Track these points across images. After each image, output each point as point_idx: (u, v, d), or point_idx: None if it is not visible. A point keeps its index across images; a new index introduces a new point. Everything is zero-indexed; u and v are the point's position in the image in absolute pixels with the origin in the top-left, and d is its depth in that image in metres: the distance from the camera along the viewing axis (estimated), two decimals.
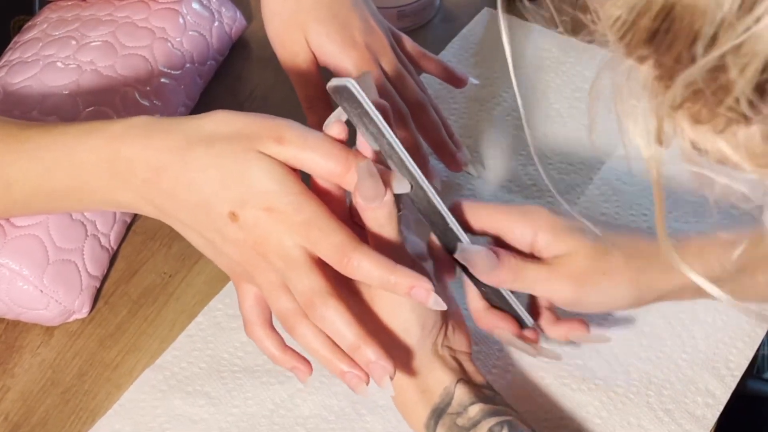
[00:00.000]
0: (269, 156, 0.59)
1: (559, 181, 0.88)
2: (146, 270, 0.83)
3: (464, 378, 0.67)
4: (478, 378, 0.68)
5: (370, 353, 0.59)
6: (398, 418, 0.71)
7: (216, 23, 0.94)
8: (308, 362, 0.65)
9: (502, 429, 0.65)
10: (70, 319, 0.79)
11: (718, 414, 0.73)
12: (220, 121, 0.61)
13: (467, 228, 0.67)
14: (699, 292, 0.69)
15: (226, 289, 0.81)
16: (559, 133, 0.92)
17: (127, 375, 0.77)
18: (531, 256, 0.68)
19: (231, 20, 0.96)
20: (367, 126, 0.60)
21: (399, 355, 0.65)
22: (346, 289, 0.63)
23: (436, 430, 0.66)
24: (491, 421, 0.65)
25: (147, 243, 0.84)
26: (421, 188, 0.63)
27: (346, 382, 0.61)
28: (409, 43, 0.86)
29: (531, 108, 0.94)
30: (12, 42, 0.90)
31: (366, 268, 0.59)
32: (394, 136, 0.61)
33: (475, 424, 0.65)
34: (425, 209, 0.64)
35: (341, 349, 0.60)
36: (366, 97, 0.59)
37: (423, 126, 0.83)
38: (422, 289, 0.59)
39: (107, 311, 0.80)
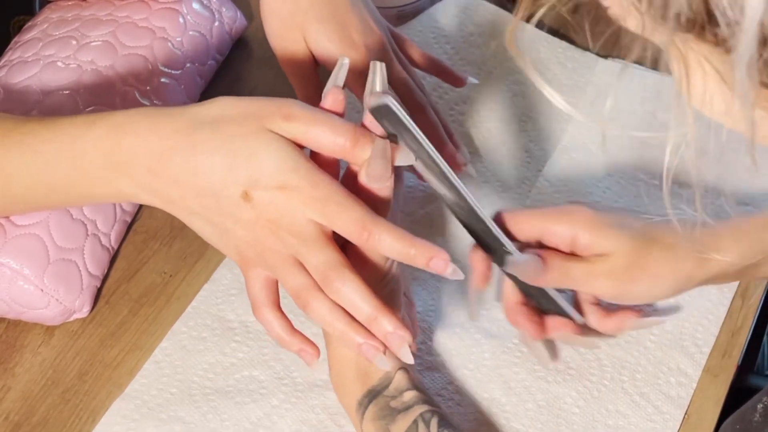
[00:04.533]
0: (278, 134, 0.60)
1: (508, 177, 0.89)
2: (147, 269, 0.83)
3: (404, 367, 0.69)
4: (416, 374, 0.71)
5: (387, 324, 0.61)
6: None
7: (216, 23, 0.94)
8: (315, 345, 0.65)
9: (432, 417, 0.67)
10: (71, 319, 0.79)
11: (692, 392, 0.75)
12: (224, 105, 0.62)
13: (509, 237, 0.68)
14: (739, 276, 0.72)
15: (188, 312, 0.80)
16: (502, 128, 0.92)
17: (128, 374, 0.77)
18: (572, 254, 0.69)
19: (231, 20, 0.96)
20: (406, 140, 0.62)
21: None
22: None
23: (368, 407, 0.67)
24: (423, 407, 0.67)
25: (148, 242, 0.84)
26: (464, 198, 0.64)
27: (362, 353, 0.62)
28: (407, 43, 0.86)
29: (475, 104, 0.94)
30: (12, 42, 0.90)
31: (387, 241, 0.60)
32: (432, 147, 0.62)
33: (408, 408, 0.67)
34: (467, 218, 0.66)
35: (356, 322, 0.62)
36: (405, 113, 0.61)
37: (422, 126, 0.82)
38: (440, 260, 0.61)
39: (108, 311, 0.80)
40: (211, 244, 0.65)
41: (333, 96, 0.63)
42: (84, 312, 0.79)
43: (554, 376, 0.76)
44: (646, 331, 0.78)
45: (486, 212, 0.66)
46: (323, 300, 0.61)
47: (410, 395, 0.67)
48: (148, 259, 0.83)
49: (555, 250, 0.69)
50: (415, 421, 0.66)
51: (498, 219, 0.69)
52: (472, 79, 0.88)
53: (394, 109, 0.60)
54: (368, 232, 0.60)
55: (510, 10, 1.00)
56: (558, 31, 0.98)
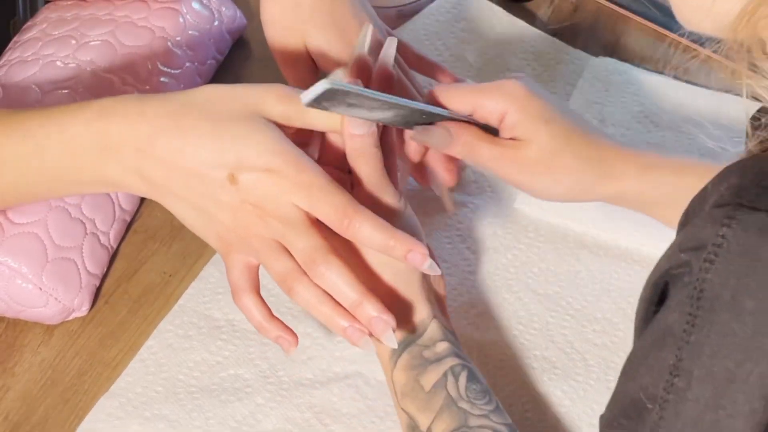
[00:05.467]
0: (267, 119, 0.61)
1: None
2: (146, 269, 0.83)
3: (438, 317, 0.69)
4: (448, 323, 0.70)
5: (371, 309, 0.61)
6: (364, 425, 0.72)
7: (216, 22, 0.94)
8: (294, 333, 0.65)
9: (462, 371, 0.67)
10: (70, 318, 0.79)
11: None
12: (213, 90, 0.63)
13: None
14: (638, 207, 0.73)
15: (174, 310, 0.79)
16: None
17: None
18: (486, 133, 0.71)
19: (231, 19, 0.96)
20: (361, 105, 0.62)
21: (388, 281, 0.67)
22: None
23: (401, 355, 0.67)
24: (455, 361, 0.67)
25: (147, 242, 0.84)
26: (404, 107, 0.65)
27: (347, 337, 0.62)
28: (405, 46, 0.86)
29: None
30: (12, 42, 0.90)
31: (366, 230, 0.61)
32: (374, 92, 0.63)
33: (440, 359, 0.67)
34: (407, 121, 0.68)
35: (340, 306, 0.62)
36: (343, 82, 0.60)
37: None
38: (418, 253, 0.62)
39: (107, 310, 0.80)
40: (193, 231, 0.65)
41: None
42: (83, 311, 0.78)
43: (540, 375, 0.76)
44: (632, 332, 0.77)
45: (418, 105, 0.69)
46: (308, 284, 0.62)
47: (443, 346, 0.67)
48: (148, 259, 0.83)
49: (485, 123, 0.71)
50: (445, 374, 0.66)
51: (431, 95, 0.71)
52: (469, 81, 0.88)
53: (335, 88, 0.60)
54: (349, 219, 0.61)
55: (508, 10, 1.01)
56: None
